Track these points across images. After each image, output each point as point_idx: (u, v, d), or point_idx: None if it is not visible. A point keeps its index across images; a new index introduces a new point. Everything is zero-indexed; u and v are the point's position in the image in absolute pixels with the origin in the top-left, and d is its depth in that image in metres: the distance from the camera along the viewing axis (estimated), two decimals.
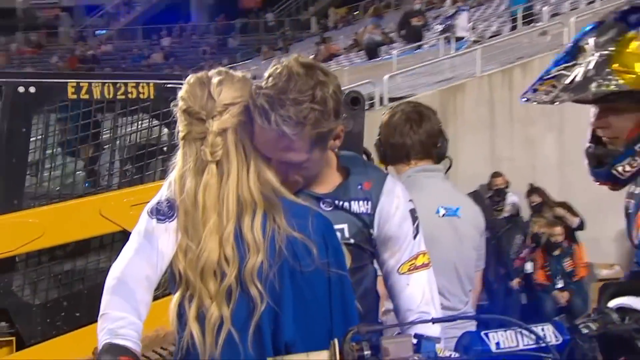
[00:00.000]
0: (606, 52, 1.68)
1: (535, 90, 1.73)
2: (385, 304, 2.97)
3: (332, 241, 1.67)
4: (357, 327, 1.42)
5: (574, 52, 1.72)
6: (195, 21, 32.04)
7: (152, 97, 4.43)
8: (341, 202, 1.81)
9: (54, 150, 4.47)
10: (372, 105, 10.62)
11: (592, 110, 1.80)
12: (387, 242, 1.83)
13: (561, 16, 13.63)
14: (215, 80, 1.68)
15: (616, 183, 1.79)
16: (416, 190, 2.51)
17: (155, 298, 1.68)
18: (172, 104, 1.72)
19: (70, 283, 4.33)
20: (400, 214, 1.83)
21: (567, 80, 1.68)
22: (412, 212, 1.85)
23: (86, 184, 4.55)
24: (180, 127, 1.70)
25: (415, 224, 1.85)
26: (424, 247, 1.85)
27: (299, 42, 26.42)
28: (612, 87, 1.66)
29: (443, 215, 2.57)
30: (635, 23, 1.70)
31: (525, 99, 1.73)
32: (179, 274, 1.65)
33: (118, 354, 1.53)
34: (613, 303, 1.47)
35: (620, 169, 1.75)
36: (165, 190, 1.71)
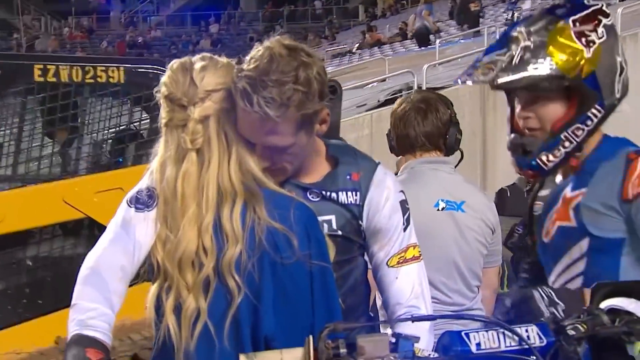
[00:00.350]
0: (540, 38, 1.73)
1: (470, 74, 1.77)
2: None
3: (315, 232, 1.61)
4: (334, 324, 1.36)
5: (506, 41, 1.77)
6: (243, 8, 32.20)
7: (122, 81, 4.34)
8: (329, 193, 1.76)
9: (19, 133, 4.40)
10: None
11: (514, 101, 1.83)
12: (377, 234, 1.77)
13: (610, 7, 13.25)
14: (198, 66, 1.63)
15: (537, 174, 1.83)
16: (416, 182, 2.46)
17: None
18: (154, 89, 1.67)
19: (33, 270, 4.24)
20: (390, 205, 1.77)
21: (504, 63, 1.73)
22: (403, 203, 1.79)
23: (51, 169, 4.49)
24: (163, 114, 1.65)
25: (406, 216, 1.78)
26: (415, 240, 1.77)
27: (346, 30, 26.34)
28: (548, 71, 1.71)
29: (442, 208, 2.48)
30: (564, 14, 1.76)
31: (462, 81, 1.77)
32: (157, 264, 1.61)
33: (85, 346, 1.49)
34: (605, 304, 1.40)
35: (544, 158, 1.77)
36: (146, 178, 1.67)
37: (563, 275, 1.82)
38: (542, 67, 1.71)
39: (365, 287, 1.86)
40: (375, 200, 1.76)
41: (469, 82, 1.76)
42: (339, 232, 1.75)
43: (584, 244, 1.77)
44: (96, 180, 4.24)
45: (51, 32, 30.40)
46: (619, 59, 1.79)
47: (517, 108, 1.84)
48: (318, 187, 1.76)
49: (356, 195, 1.76)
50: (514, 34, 1.77)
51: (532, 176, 1.86)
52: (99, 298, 1.55)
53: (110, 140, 4.50)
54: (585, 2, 1.82)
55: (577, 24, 1.76)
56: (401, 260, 1.75)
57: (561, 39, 1.74)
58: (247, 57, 1.63)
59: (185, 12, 31.99)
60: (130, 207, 1.63)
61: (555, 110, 1.77)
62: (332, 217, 1.75)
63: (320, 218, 1.68)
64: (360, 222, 1.77)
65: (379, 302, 2.28)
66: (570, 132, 1.77)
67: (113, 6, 32.50)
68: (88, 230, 4.26)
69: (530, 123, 1.80)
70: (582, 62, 1.73)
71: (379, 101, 10.61)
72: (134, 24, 30.95)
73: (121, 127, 4.49)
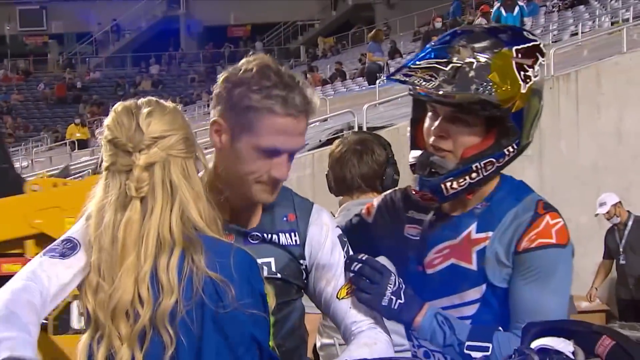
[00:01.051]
0: (484, 58, 1.65)
1: (408, 75, 1.66)
2: (322, 339, 2.90)
3: (253, 280, 1.60)
4: None
5: (446, 51, 1.67)
6: (184, 49, 32.18)
7: None
8: (269, 235, 1.76)
9: None
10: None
11: (425, 116, 1.74)
12: (321, 270, 1.77)
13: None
14: (144, 111, 1.60)
15: (436, 198, 1.72)
16: None
17: None
18: (96, 131, 1.66)
19: None
20: (330, 241, 1.78)
21: (448, 74, 1.63)
22: (341, 237, 1.81)
23: None
24: (105, 157, 1.63)
25: (345, 249, 1.80)
26: None
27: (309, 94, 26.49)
28: (486, 95, 1.62)
29: None
30: (508, 42, 1.68)
31: (398, 78, 1.67)
32: (87, 314, 1.57)
33: None
34: (535, 344, 1.43)
35: (449, 184, 1.68)
36: (80, 222, 1.64)
37: (447, 312, 1.72)
38: (482, 90, 1.62)
39: (303, 331, 1.86)
40: (315, 239, 1.78)
41: (405, 83, 1.65)
42: (278, 275, 1.75)
43: (482, 289, 1.70)
44: None
45: None
46: (541, 102, 1.73)
47: (428, 124, 1.72)
48: (258, 230, 1.76)
49: (295, 236, 1.77)
50: (456, 45, 1.66)
51: (429, 199, 1.72)
52: (14, 329, 1.47)
53: None
54: (525, 34, 1.73)
55: (520, 55, 1.67)
56: (350, 291, 1.75)
57: (504, 67, 1.64)
58: (245, 77, 1.66)
59: (125, 54, 31.79)
60: (43, 256, 1.59)
61: (471, 137, 1.67)
62: (272, 260, 1.75)
63: (259, 260, 1.68)
64: (300, 262, 1.77)
65: (318, 344, 2.27)
66: (482, 164, 1.67)
67: (50, 48, 32.07)
68: None
69: (443, 144, 1.69)
70: (517, 96, 1.65)
71: (320, 141, 10.69)
72: (72, 66, 30.55)
73: None
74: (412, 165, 1.75)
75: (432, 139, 1.71)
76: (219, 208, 1.66)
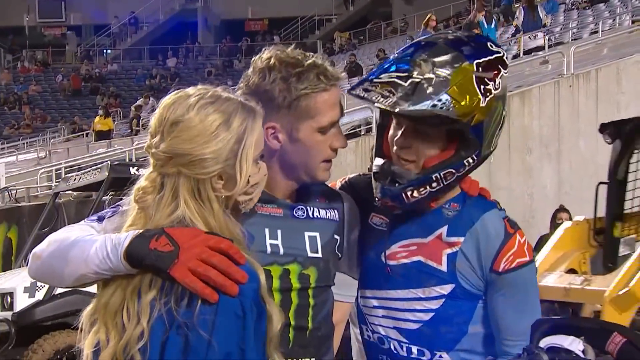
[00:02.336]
0: (444, 74, 1.67)
1: (368, 90, 1.68)
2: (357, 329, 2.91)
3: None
4: None
5: (408, 64, 1.68)
6: (201, 42, 32.24)
7: None
8: (312, 209, 1.78)
9: None
10: (368, 131, 10.58)
11: (390, 125, 1.77)
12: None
13: (563, 46, 13.63)
14: (173, 116, 1.50)
15: (397, 205, 1.76)
16: None
17: None
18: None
19: None
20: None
21: (406, 90, 1.65)
22: None
23: None
24: None
25: None
26: None
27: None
28: (443, 111, 1.65)
29: None
30: (470, 55, 1.69)
31: (357, 93, 1.68)
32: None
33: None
34: (544, 342, 1.41)
35: (409, 192, 1.72)
36: None
37: (407, 303, 1.78)
38: (440, 105, 1.65)
39: (332, 321, 1.84)
40: (352, 212, 1.85)
41: (365, 98, 1.67)
42: (320, 255, 1.76)
43: (448, 288, 1.76)
44: None
45: (4, 65, 30.01)
46: (504, 113, 1.76)
47: (392, 133, 1.77)
48: (302, 205, 1.78)
49: (333, 211, 1.82)
50: (417, 59, 1.69)
51: (391, 207, 1.77)
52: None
53: None
54: (489, 46, 1.75)
55: (480, 69, 1.69)
56: None
57: (463, 81, 1.67)
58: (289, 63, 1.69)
59: (142, 46, 31.90)
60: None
61: (433, 148, 1.72)
62: (317, 234, 1.77)
63: (306, 234, 1.73)
64: (337, 238, 1.80)
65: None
66: (442, 174, 1.71)
67: (69, 40, 32.25)
68: None
69: (406, 154, 1.74)
70: (476, 110, 1.68)
71: None
72: (89, 58, 30.70)
73: None
74: (374, 173, 1.78)
75: (395, 148, 1.75)
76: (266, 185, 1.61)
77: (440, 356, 1.76)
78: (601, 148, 9.16)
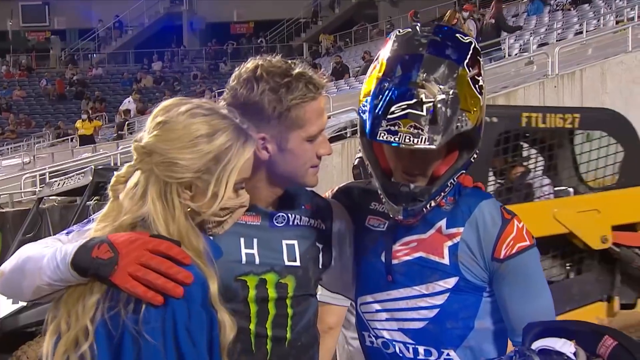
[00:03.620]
0: (450, 90, 1.64)
1: (392, 133, 1.62)
2: (348, 334, 2.91)
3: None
4: None
5: (411, 90, 1.63)
6: (187, 46, 32.18)
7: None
8: (293, 216, 1.76)
9: None
10: (354, 133, 10.58)
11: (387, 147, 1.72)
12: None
13: (548, 46, 13.69)
14: (158, 119, 1.52)
15: (416, 219, 1.72)
16: None
17: None
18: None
19: None
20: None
21: (429, 121, 1.61)
22: None
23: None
24: None
25: None
26: None
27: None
28: (464, 128, 1.64)
29: None
30: (458, 59, 1.67)
31: (383, 139, 1.62)
32: None
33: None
34: (537, 345, 1.39)
35: (429, 205, 1.71)
36: None
37: (411, 302, 1.76)
38: (461, 124, 1.64)
39: (316, 329, 1.82)
40: (342, 217, 1.85)
41: (394, 144, 1.62)
42: (299, 263, 1.73)
43: (452, 281, 1.73)
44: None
45: None
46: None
47: (395, 154, 1.73)
48: (283, 212, 1.76)
49: (319, 219, 1.80)
50: (417, 80, 1.63)
51: (411, 223, 1.73)
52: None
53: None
54: (460, 38, 1.70)
55: (470, 69, 1.68)
56: None
57: (466, 90, 1.65)
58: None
59: (127, 50, 31.78)
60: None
61: (439, 157, 1.71)
62: (295, 242, 1.74)
63: (284, 242, 1.71)
64: (319, 246, 1.78)
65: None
66: (455, 179, 1.72)
67: (53, 44, 32.06)
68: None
69: (412, 169, 1.72)
70: (479, 110, 1.68)
71: None
72: (74, 62, 30.55)
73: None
74: (388, 195, 1.72)
75: (400, 165, 1.73)
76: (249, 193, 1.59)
77: (448, 354, 1.73)
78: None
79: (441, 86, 1.63)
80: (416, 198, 1.70)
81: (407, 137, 1.61)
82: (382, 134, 1.63)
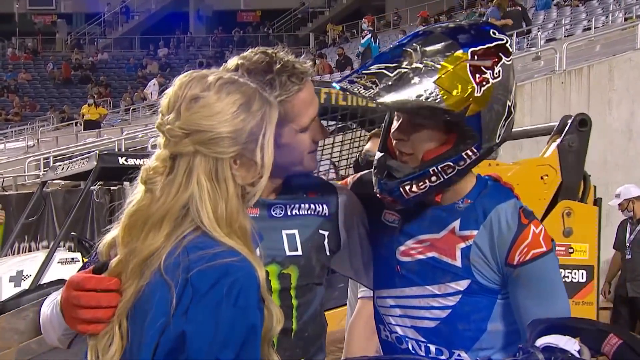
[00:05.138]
0: (432, 63, 1.60)
1: (352, 82, 1.61)
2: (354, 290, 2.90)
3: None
4: None
5: (398, 54, 1.63)
6: (193, 33, 32.10)
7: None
8: (291, 205, 1.74)
9: None
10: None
11: (394, 120, 1.72)
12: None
13: (555, 42, 13.63)
14: (191, 92, 1.43)
15: (397, 201, 1.70)
16: None
17: None
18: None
19: None
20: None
21: (390, 81, 1.59)
22: None
23: None
24: None
25: None
26: None
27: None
28: (431, 102, 1.58)
29: None
30: (465, 43, 1.63)
31: (342, 86, 1.61)
32: None
33: None
34: (540, 342, 1.38)
35: (407, 187, 1.67)
36: None
37: (424, 300, 1.74)
38: (426, 95, 1.58)
39: (324, 319, 1.81)
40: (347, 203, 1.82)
41: (348, 90, 1.61)
42: (300, 252, 1.71)
43: (464, 283, 1.70)
44: None
45: None
46: (508, 103, 1.68)
47: (393, 126, 1.72)
48: (281, 202, 1.74)
49: (322, 206, 1.78)
50: (409, 49, 1.62)
51: (391, 202, 1.71)
52: None
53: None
54: (491, 33, 1.68)
55: (476, 57, 1.63)
56: None
57: (455, 70, 1.60)
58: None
59: (133, 36, 31.71)
60: None
61: (431, 141, 1.66)
62: (296, 231, 1.72)
63: (284, 232, 1.69)
64: (323, 234, 1.76)
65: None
66: (439, 168, 1.65)
67: (59, 28, 32.00)
68: None
69: (403, 147, 1.68)
70: (470, 99, 1.61)
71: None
72: (80, 46, 30.49)
73: None
74: (374, 168, 1.74)
75: (394, 141, 1.70)
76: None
77: (459, 355, 1.71)
78: (592, 145, 9.17)
79: (426, 58, 1.60)
80: (391, 173, 1.68)
81: (357, 87, 1.60)
82: (343, 82, 1.63)
